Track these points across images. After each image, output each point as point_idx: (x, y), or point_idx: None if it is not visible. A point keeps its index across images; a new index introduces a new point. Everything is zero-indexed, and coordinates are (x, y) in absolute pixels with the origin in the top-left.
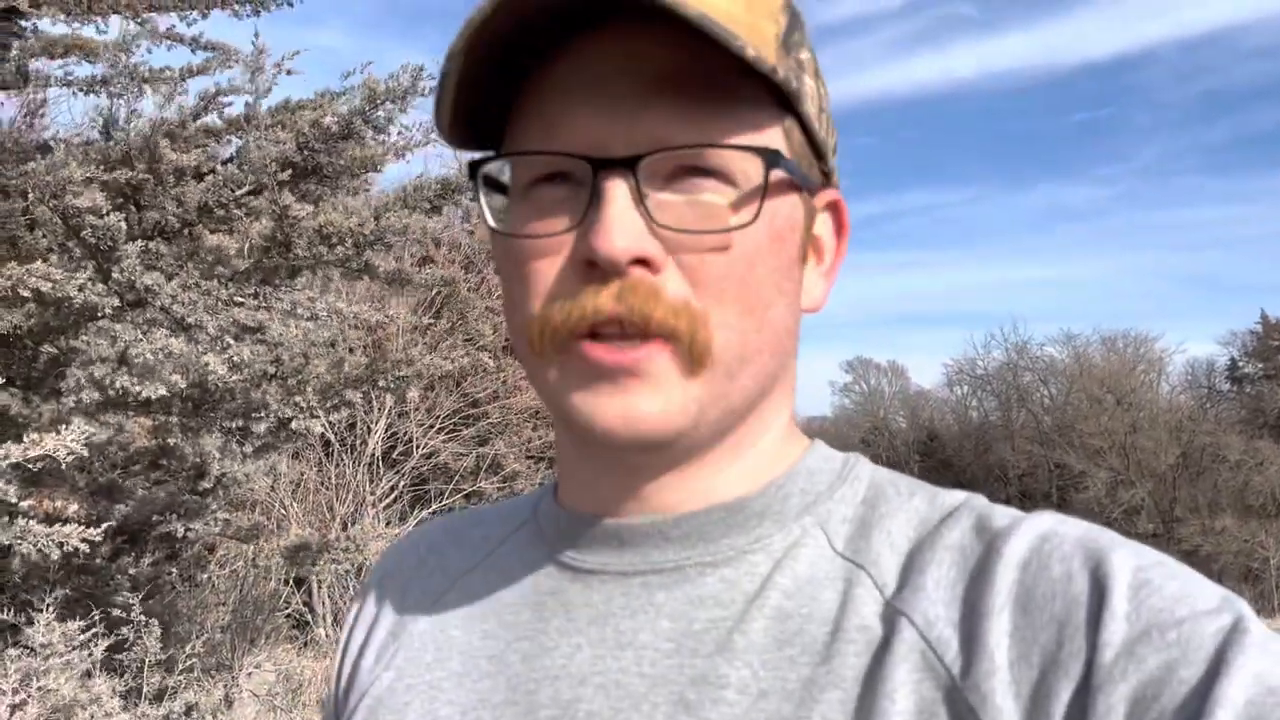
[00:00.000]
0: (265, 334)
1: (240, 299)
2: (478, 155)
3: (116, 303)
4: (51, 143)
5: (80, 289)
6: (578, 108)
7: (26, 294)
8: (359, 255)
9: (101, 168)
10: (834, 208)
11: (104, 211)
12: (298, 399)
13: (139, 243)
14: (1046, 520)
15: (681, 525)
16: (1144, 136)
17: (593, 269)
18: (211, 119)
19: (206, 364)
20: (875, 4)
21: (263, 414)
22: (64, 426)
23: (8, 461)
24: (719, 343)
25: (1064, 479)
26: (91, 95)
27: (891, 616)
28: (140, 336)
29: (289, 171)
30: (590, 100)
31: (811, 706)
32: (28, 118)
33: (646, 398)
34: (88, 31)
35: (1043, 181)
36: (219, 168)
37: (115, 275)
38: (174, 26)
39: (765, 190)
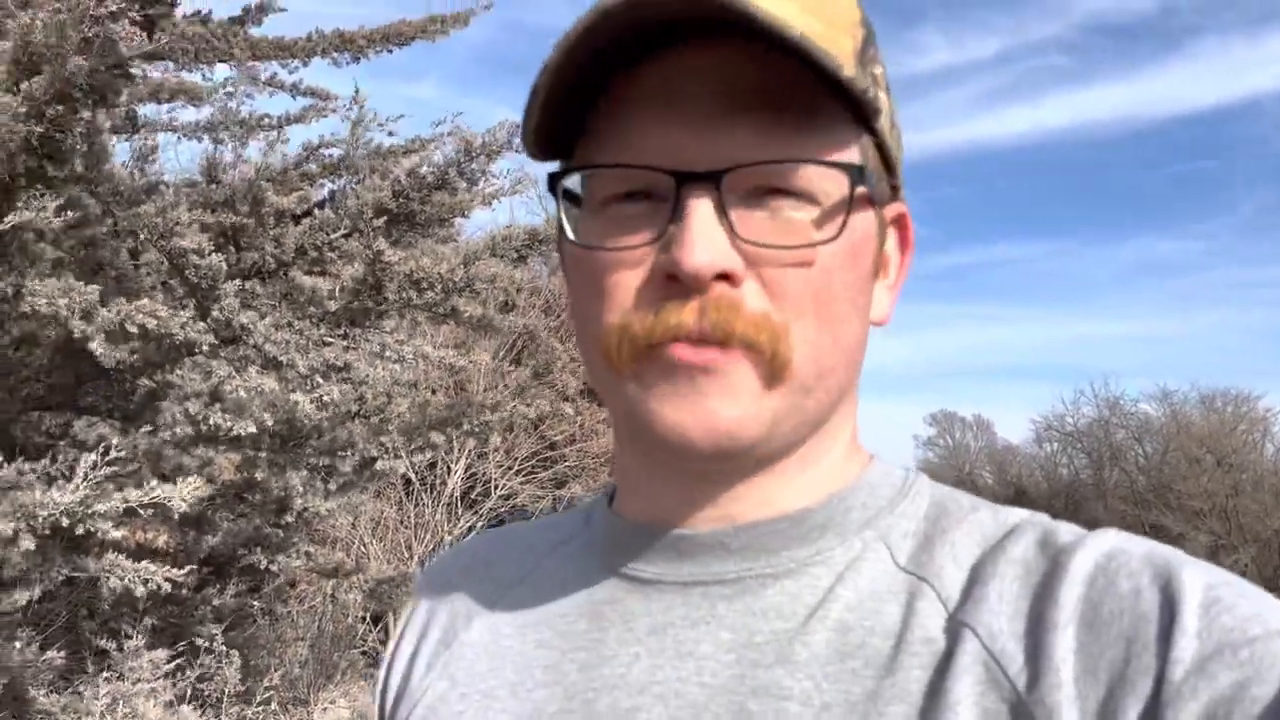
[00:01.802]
0: (351, 373)
1: (330, 339)
2: (556, 168)
3: (213, 339)
4: (160, 185)
5: (183, 326)
6: (660, 122)
7: (134, 330)
8: (446, 300)
9: (205, 210)
10: (900, 222)
11: (206, 252)
12: (383, 439)
13: (237, 282)
14: (1112, 537)
15: (742, 536)
16: (1244, 190)
17: (673, 283)
18: (310, 165)
19: (296, 402)
20: (966, 54)
21: (348, 452)
22: (159, 460)
23: (125, 505)
24: (798, 357)
25: (1161, 541)
26: (196, 140)
27: (955, 629)
28: (233, 373)
29: (384, 218)
30: (672, 115)
31: (875, 719)
32: (139, 161)
33: (726, 403)
34: (194, 77)
35: (1136, 235)
36: (316, 212)
37: (214, 313)
38: (275, 74)
39: (850, 206)
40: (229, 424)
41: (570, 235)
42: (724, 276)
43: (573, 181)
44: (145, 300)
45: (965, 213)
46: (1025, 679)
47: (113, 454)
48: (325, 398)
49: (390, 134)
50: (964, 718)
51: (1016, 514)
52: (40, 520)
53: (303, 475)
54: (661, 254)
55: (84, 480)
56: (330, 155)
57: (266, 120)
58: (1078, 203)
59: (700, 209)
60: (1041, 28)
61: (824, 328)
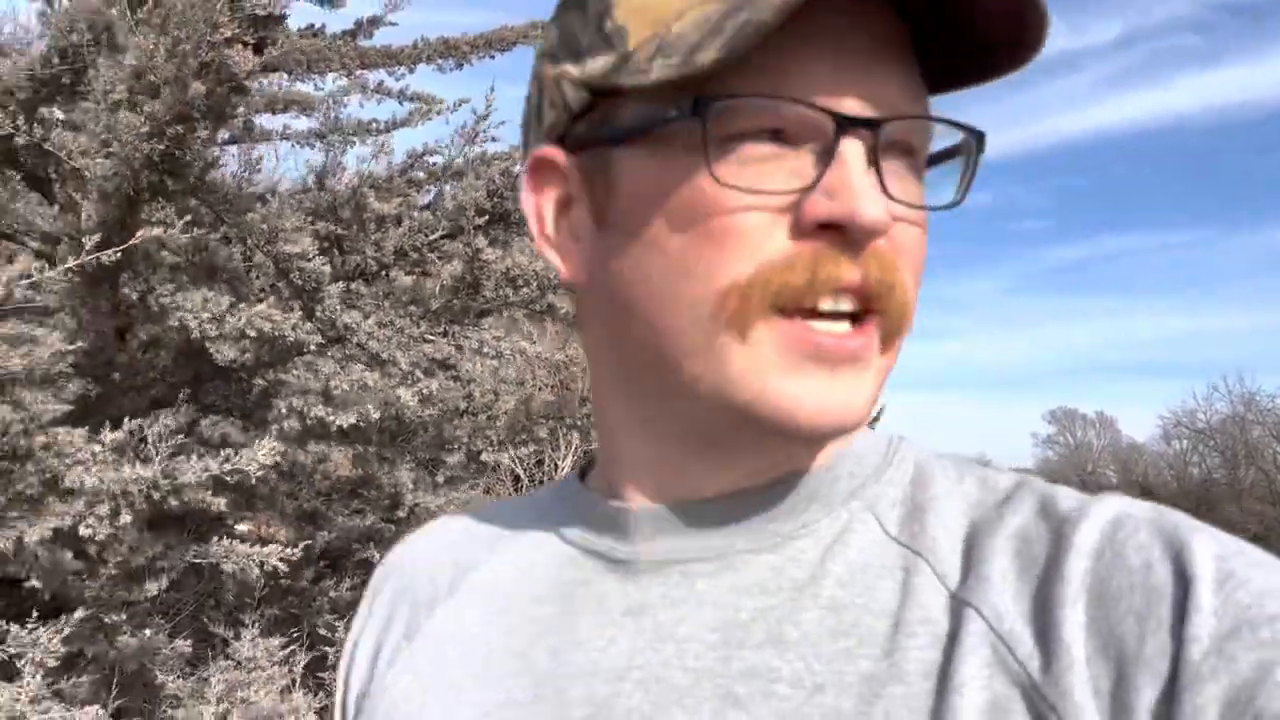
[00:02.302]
0: (457, 370)
1: (431, 336)
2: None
3: (319, 339)
4: (268, 195)
5: (293, 327)
6: (822, 62)
7: (252, 333)
8: (542, 297)
9: (310, 217)
10: None
11: (311, 256)
12: (488, 433)
13: (340, 284)
14: (1115, 504)
15: (724, 510)
16: None
17: (824, 234)
18: (415, 173)
19: (399, 396)
20: (1087, 38)
21: (454, 446)
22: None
23: (207, 474)
24: (908, 327)
25: None
26: (309, 147)
27: (958, 609)
28: (339, 370)
29: (484, 217)
30: (836, 57)
31: (873, 702)
32: (247, 170)
33: (861, 388)
34: (304, 87)
35: (1271, 223)
36: (415, 214)
37: (319, 314)
38: (383, 81)
39: (974, 169)
40: (331, 417)
41: (710, 171)
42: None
43: (719, 108)
44: (262, 305)
45: (1086, 203)
46: (1037, 661)
47: (227, 448)
48: (426, 392)
49: (493, 139)
50: (970, 699)
51: (1006, 478)
52: (136, 495)
53: (411, 472)
54: (814, 201)
55: (160, 453)
56: (434, 162)
57: (375, 125)
58: (1207, 190)
59: (860, 157)
60: (1166, 7)
61: (917, 295)
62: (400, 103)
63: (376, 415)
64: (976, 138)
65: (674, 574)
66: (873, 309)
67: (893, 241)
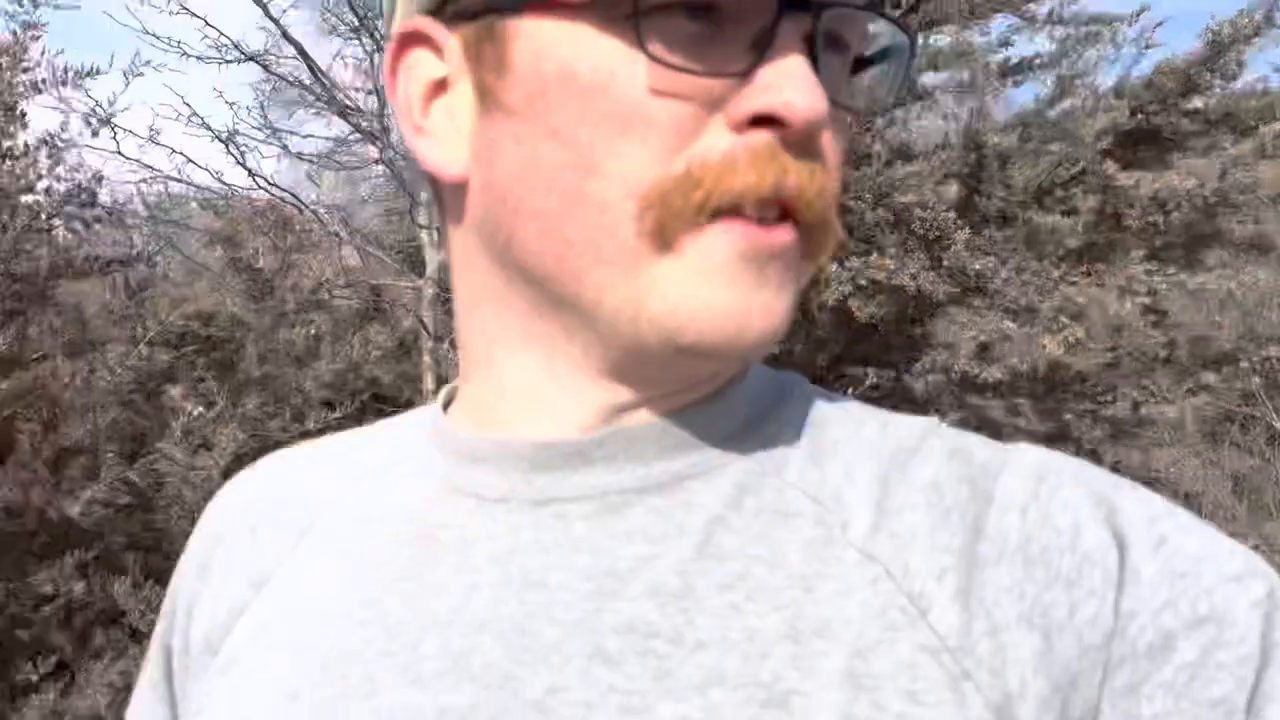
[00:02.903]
0: (1102, 313)
1: (1073, 278)
2: None
3: (951, 289)
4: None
5: (913, 277)
6: None
7: (864, 284)
8: (1209, 220)
9: (942, 172)
10: None
11: (931, 204)
12: (1144, 382)
13: (967, 231)
14: (1034, 455)
15: (609, 444)
16: None
17: (756, 129)
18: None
19: (1043, 346)
20: None
21: (1109, 398)
22: (925, 407)
23: None
24: (831, 235)
25: None
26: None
27: (861, 565)
28: (975, 320)
29: (1109, 140)
30: None
31: (760, 663)
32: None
33: (785, 296)
34: (969, 36)
35: None
36: (1052, 148)
37: (945, 263)
38: (1053, 10)
39: (909, 65)
40: (977, 371)
41: (642, 45)
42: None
43: None
44: (874, 256)
45: None
46: (952, 623)
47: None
48: (1071, 339)
49: (1147, 46)
50: (877, 666)
51: (909, 423)
52: None
53: (1058, 425)
54: (748, 92)
55: None
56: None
57: (1038, 60)
58: None
59: (797, 44)
60: None
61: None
62: (1074, 29)
63: (1024, 367)
64: (910, 35)
65: (548, 516)
66: (799, 218)
67: (827, 143)
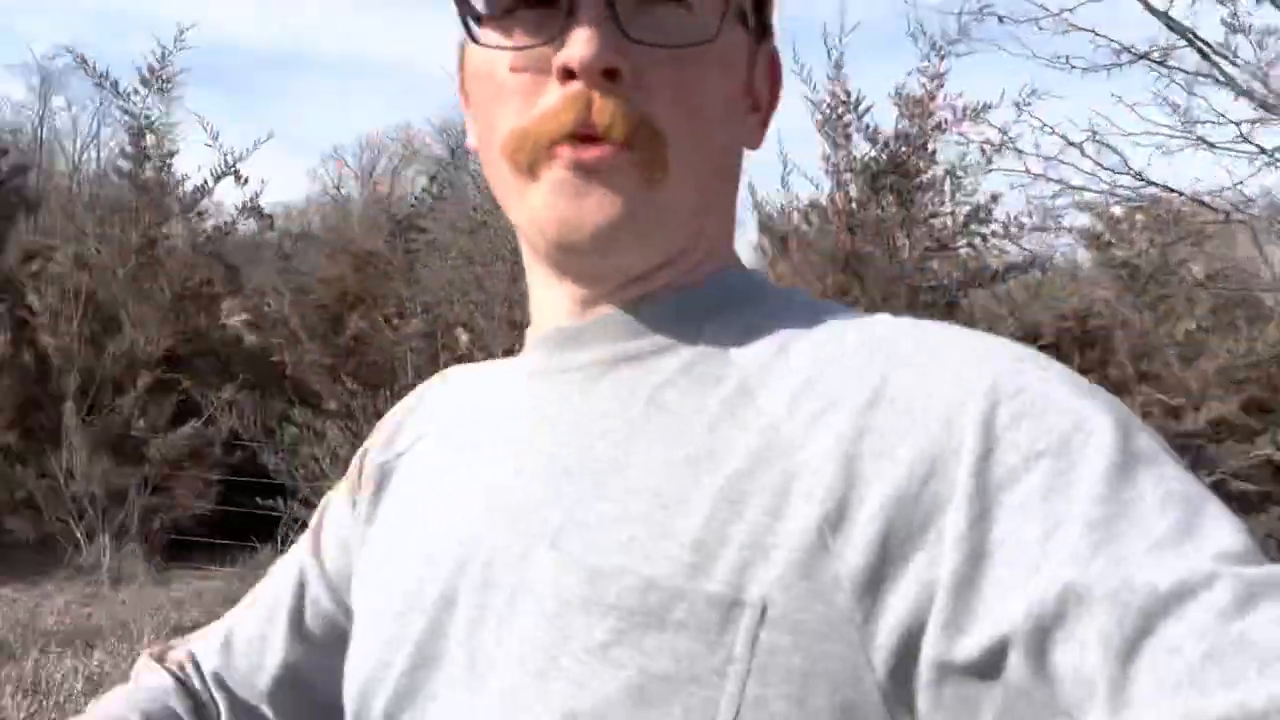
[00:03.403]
0: None
1: None
2: None
3: None
4: None
5: None
6: None
7: None
8: None
9: None
10: (771, 60)
11: None
12: None
13: None
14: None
15: (588, 330)
16: None
17: (569, 80)
18: None
19: None
20: None
21: None
22: None
23: None
24: (674, 159)
25: None
26: None
27: (758, 414)
28: None
29: None
30: None
31: (665, 480)
32: None
33: (607, 201)
34: None
35: None
36: None
37: None
38: None
39: (725, 11)
40: None
41: (475, 36)
42: (612, 74)
43: None
44: None
45: None
46: (807, 458)
47: None
48: None
49: None
50: (745, 486)
51: (849, 319)
52: None
53: None
54: (559, 52)
55: None
56: None
57: None
58: None
59: (591, 6)
60: None
61: (698, 129)
62: None
63: None
64: None
65: (558, 380)
66: (610, 138)
67: (643, 81)
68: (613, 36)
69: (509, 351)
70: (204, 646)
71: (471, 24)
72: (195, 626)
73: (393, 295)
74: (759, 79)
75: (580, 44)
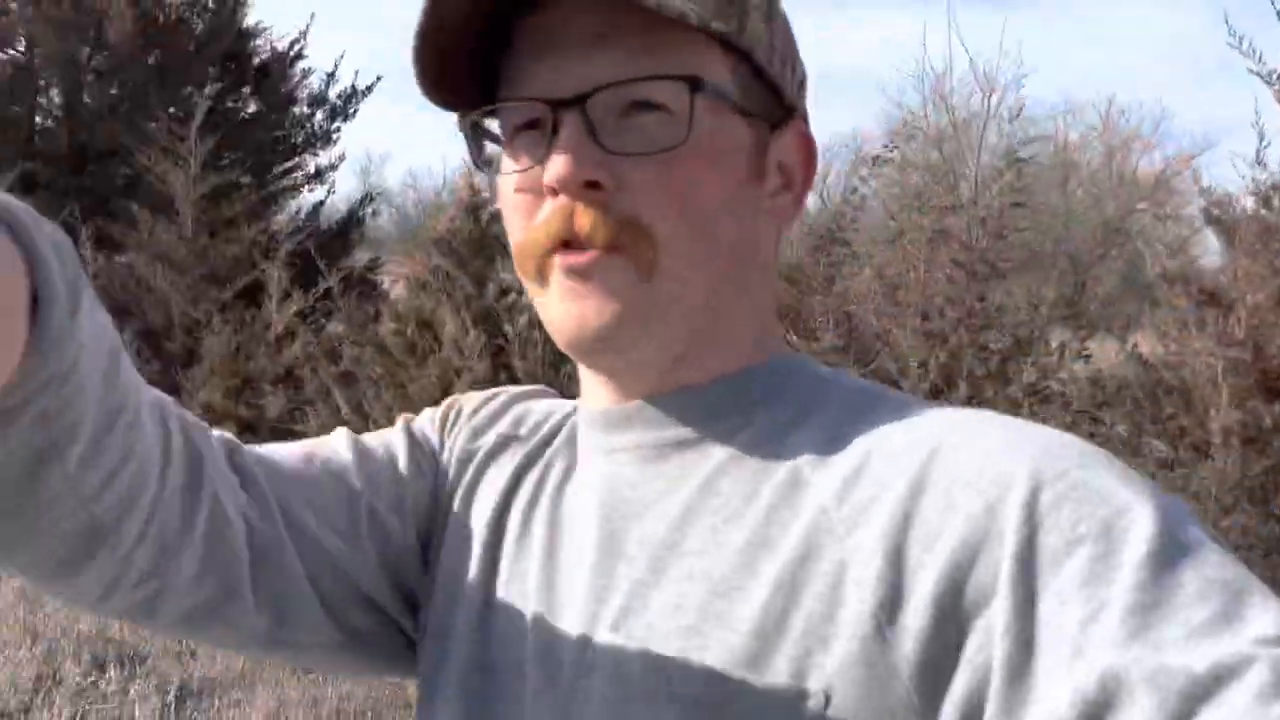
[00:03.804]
0: None
1: None
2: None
3: None
4: None
5: None
6: (537, 61)
7: None
8: None
9: None
10: (801, 137)
11: None
12: None
13: None
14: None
15: (644, 411)
16: None
17: (556, 194)
18: None
19: None
20: None
21: None
22: None
23: None
24: (665, 254)
25: None
26: None
27: (812, 501)
28: None
29: None
30: (547, 54)
31: (721, 566)
32: None
33: (601, 302)
34: None
35: None
36: None
37: None
38: None
39: (691, 112)
40: None
41: (476, 164)
42: (593, 185)
43: (493, 124)
44: None
45: None
46: (860, 543)
47: None
48: None
49: None
50: (799, 573)
51: (887, 400)
52: None
53: None
54: (543, 170)
55: None
56: None
57: None
58: None
59: (569, 128)
60: None
61: (691, 226)
62: None
63: None
64: (689, 83)
65: (612, 461)
66: (596, 243)
67: (626, 187)
68: (590, 152)
69: (922, 364)
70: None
71: (472, 150)
72: None
73: (813, 309)
74: (790, 158)
75: (558, 164)
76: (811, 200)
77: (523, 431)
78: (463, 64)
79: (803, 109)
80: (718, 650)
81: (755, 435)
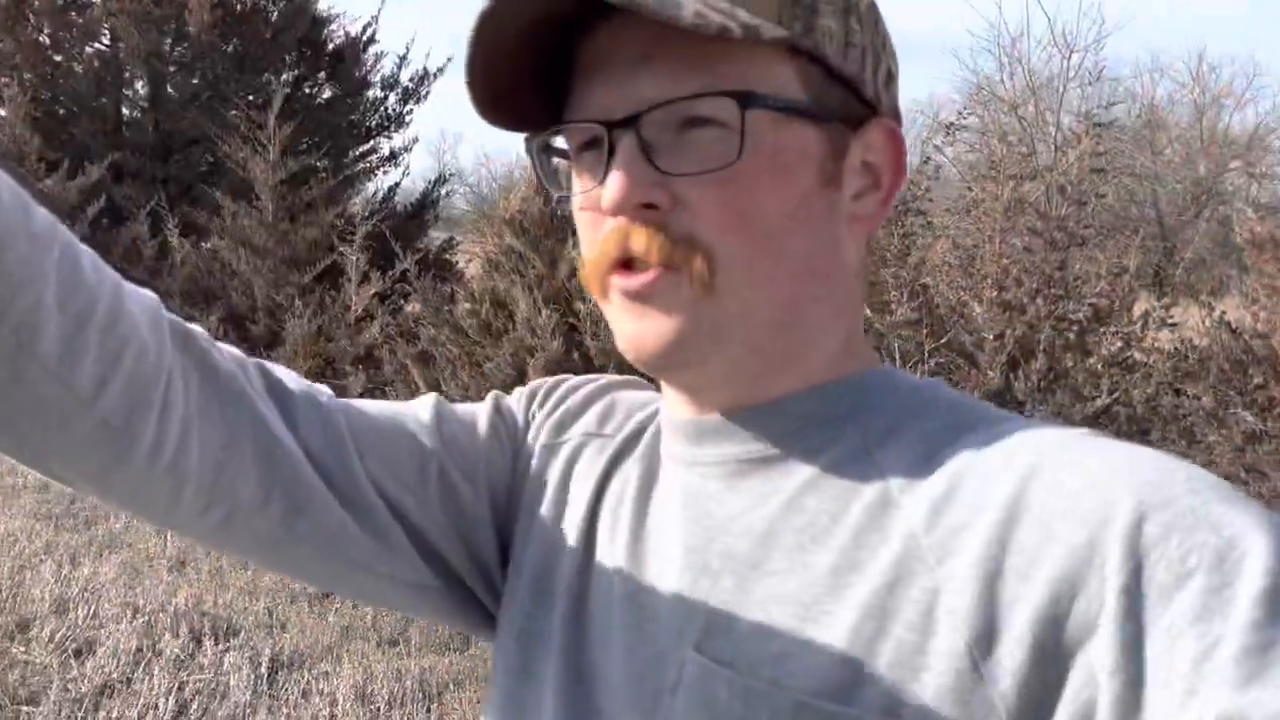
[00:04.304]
0: None
1: None
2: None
3: None
4: None
5: None
6: (589, 84)
7: None
8: None
9: None
10: (887, 134)
11: None
12: None
13: None
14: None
15: (727, 426)
16: None
17: (612, 216)
18: None
19: None
20: None
21: None
22: None
23: None
24: (725, 271)
25: None
26: None
27: (900, 524)
28: None
29: None
30: (595, 77)
31: (808, 588)
32: None
33: (662, 321)
34: None
35: None
36: None
37: None
38: None
39: (743, 127)
40: None
41: (548, 188)
42: (649, 205)
43: (552, 140)
44: None
45: None
46: (952, 571)
47: None
48: None
49: None
50: (890, 599)
51: (981, 413)
52: None
53: None
54: (602, 191)
55: None
56: None
57: None
58: None
59: (624, 150)
60: None
61: (753, 242)
62: None
63: None
64: (739, 98)
65: (695, 474)
66: (653, 261)
67: (681, 206)
68: (644, 173)
69: (999, 336)
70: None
71: (542, 170)
72: None
73: (887, 281)
74: (876, 156)
75: (612, 187)
76: None
77: (609, 429)
78: (524, 87)
79: (890, 104)
80: (807, 679)
81: (842, 452)
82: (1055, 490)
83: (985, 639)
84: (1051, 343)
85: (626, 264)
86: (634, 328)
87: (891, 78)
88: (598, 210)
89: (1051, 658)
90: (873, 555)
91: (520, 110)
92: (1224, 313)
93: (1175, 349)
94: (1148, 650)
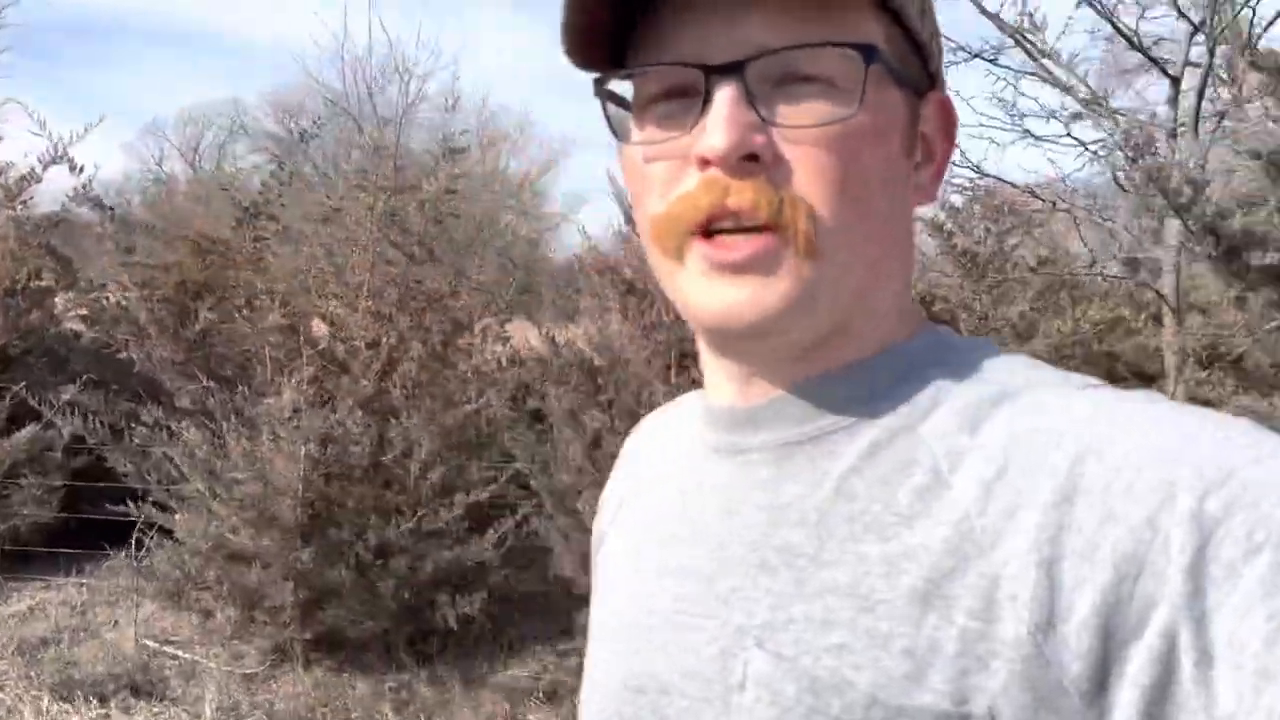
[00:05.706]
0: None
1: None
2: (599, 74)
3: None
4: None
5: None
6: (685, 24)
7: None
8: None
9: None
10: (941, 107)
11: None
12: None
13: None
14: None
15: (773, 407)
16: None
17: (707, 167)
18: None
19: None
20: None
21: None
22: None
23: None
24: (825, 232)
25: None
26: None
27: (953, 506)
28: None
29: None
30: (697, 15)
31: (864, 578)
32: None
33: (758, 289)
34: None
35: None
36: None
37: None
38: None
39: (865, 83)
40: None
41: (616, 135)
42: (752, 158)
43: (623, 88)
44: None
45: None
46: (1007, 555)
47: None
48: None
49: None
50: (946, 587)
51: (1042, 382)
52: None
53: None
54: (695, 141)
55: None
56: None
57: None
58: None
59: (727, 96)
60: None
61: (851, 204)
62: None
63: None
64: (864, 52)
65: (740, 462)
66: (769, 225)
67: (783, 161)
68: (749, 122)
69: (372, 345)
70: None
71: (614, 120)
72: (44, 641)
73: (242, 285)
74: (931, 129)
75: (716, 133)
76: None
77: (638, 478)
78: (601, 25)
79: (943, 76)
80: (872, 671)
81: (888, 425)
82: (1112, 467)
83: (1048, 623)
84: (419, 352)
85: (708, 224)
86: (729, 295)
87: (942, 50)
88: (674, 162)
89: (1118, 640)
90: (925, 542)
91: (593, 52)
92: (549, 329)
93: (510, 360)
94: (1215, 631)
